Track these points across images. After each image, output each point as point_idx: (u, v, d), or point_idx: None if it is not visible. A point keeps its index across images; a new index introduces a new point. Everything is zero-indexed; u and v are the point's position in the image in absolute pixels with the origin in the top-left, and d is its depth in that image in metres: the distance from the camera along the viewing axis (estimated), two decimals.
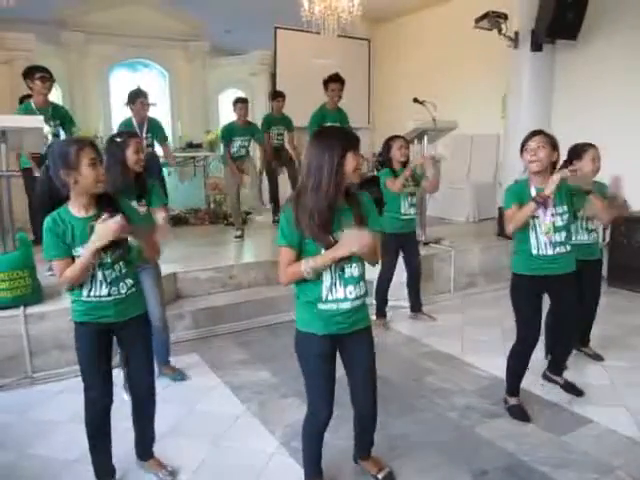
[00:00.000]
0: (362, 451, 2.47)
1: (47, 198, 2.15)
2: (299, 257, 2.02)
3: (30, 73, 4.45)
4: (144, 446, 2.53)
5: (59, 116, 4.59)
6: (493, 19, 6.03)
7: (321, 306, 2.06)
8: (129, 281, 2.27)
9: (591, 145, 3.33)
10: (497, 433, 2.80)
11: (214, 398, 3.26)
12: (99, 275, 2.17)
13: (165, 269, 4.42)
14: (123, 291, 2.24)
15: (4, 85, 6.75)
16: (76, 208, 2.15)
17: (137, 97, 5.07)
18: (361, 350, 2.20)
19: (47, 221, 2.11)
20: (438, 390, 3.31)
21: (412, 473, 2.49)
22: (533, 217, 2.77)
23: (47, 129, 4.36)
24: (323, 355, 2.12)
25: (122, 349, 2.40)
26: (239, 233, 6.03)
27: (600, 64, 5.95)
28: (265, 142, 6.60)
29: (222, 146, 6.37)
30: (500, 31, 6.13)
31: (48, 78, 4.47)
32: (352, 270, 2.06)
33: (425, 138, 5.25)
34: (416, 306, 4.61)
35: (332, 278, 2.04)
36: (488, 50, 6.79)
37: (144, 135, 5.11)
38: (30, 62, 7.03)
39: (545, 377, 3.32)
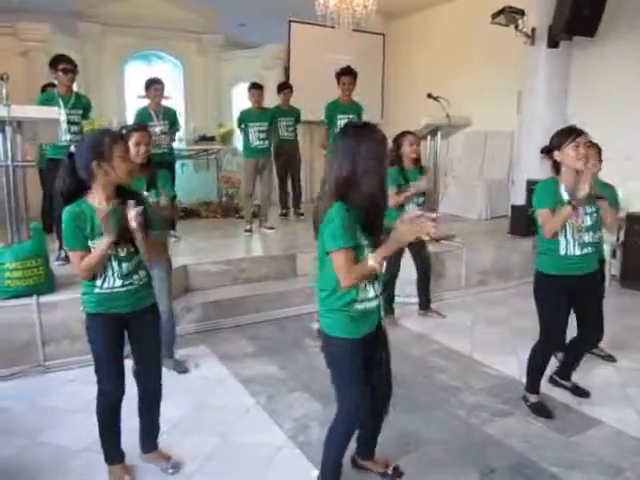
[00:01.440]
0: (367, 452, 2.43)
1: (72, 188, 2.15)
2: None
3: (54, 64, 4.54)
4: (149, 438, 2.55)
5: (81, 105, 4.65)
6: (510, 15, 5.97)
7: (357, 306, 2.03)
8: (142, 272, 2.31)
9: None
10: (506, 432, 2.79)
11: (223, 391, 3.28)
12: (114, 267, 2.20)
13: (176, 262, 4.45)
14: (136, 282, 2.27)
15: (20, 76, 6.78)
16: (97, 200, 2.16)
17: (151, 84, 5.37)
18: (382, 349, 2.20)
19: (69, 212, 2.12)
20: (447, 388, 3.31)
21: (420, 470, 2.49)
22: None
23: (63, 118, 4.42)
24: (360, 358, 2.07)
25: (132, 339, 2.41)
26: (249, 227, 6.03)
27: (618, 61, 5.87)
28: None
29: (242, 136, 6.21)
30: (517, 27, 6.07)
31: (70, 70, 4.54)
32: (382, 267, 2.06)
33: (438, 134, 5.22)
34: (425, 303, 4.59)
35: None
36: (503, 46, 6.72)
37: (159, 122, 5.23)
38: (46, 53, 7.12)
39: (552, 381, 3.27)
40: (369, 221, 1.96)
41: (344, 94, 5.84)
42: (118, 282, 2.22)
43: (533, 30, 6.18)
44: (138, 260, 2.28)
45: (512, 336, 4.10)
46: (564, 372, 3.24)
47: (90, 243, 2.13)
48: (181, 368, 3.53)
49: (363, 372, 2.09)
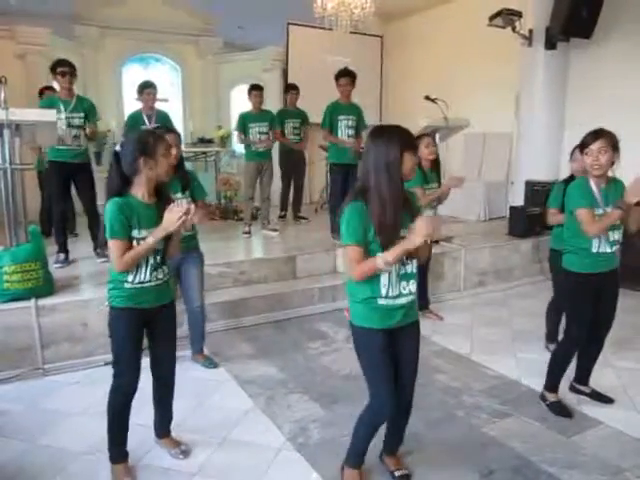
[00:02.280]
0: (391, 449, 2.48)
1: (119, 182, 2.26)
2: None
3: (54, 68, 4.59)
4: (163, 424, 2.66)
5: (82, 109, 4.66)
6: (507, 17, 5.99)
7: (381, 302, 2.10)
8: (165, 268, 2.42)
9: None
10: (505, 433, 2.79)
11: (222, 392, 3.28)
12: (150, 260, 2.31)
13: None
14: (161, 277, 2.38)
15: (18, 79, 6.78)
16: (140, 194, 2.29)
17: (144, 88, 5.28)
18: (412, 344, 2.25)
19: (116, 202, 2.22)
20: (447, 389, 3.31)
21: (420, 471, 2.49)
22: (598, 216, 2.77)
23: (62, 119, 4.47)
24: (383, 348, 2.14)
25: (152, 333, 2.47)
26: (247, 229, 6.01)
27: (615, 63, 5.89)
28: (278, 138, 6.52)
29: (239, 138, 6.14)
30: (514, 29, 6.09)
31: (67, 72, 4.56)
32: (411, 267, 2.13)
33: (437, 136, 5.22)
34: (423, 304, 4.59)
35: (391, 275, 2.08)
36: (501, 48, 6.74)
37: (152, 125, 5.19)
38: (44, 56, 7.14)
39: (573, 389, 3.23)
40: (380, 222, 2.00)
41: (343, 95, 5.84)
42: (147, 276, 2.32)
43: (530, 32, 6.21)
44: (162, 255, 2.38)
45: (512, 337, 4.10)
46: (583, 376, 3.21)
47: (136, 233, 2.23)
48: (211, 363, 3.62)
49: (390, 368, 2.16)
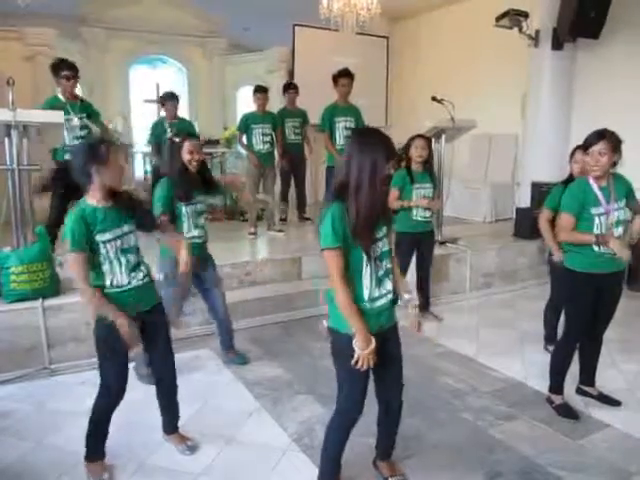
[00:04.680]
0: (382, 453, 2.44)
1: (71, 189, 2.26)
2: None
3: (56, 70, 4.60)
4: (170, 422, 2.69)
5: (87, 110, 4.75)
6: (513, 17, 5.97)
7: (365, 306, 2.05)
8: (143, 268, 2.42)
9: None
10: (512, 435, 2.78)
11: (228, 394, 3.28)
12: (122, 260, 2.31)
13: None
14: (141, 277, 2.38)
15: (26, 80, 6.81)
16: (95, 201, 2.28)
17: (166, 100, 5.82)
18: (396, 345, 2.25)
19: (75, 214, 2.22)
20: (453, 391, 3.30)
21: (426, 474, 2.48)
22: (599, 215, 2.77)
23: (76, 121, 4.61)
24: None
25: (145, 337, 2.46)
26: (253, 230, 6.02)
27: (623, 63, 5.87)
28: (279, 139, 6.50)
29: (238, 137, 6.18)
30: (520, 29, 6.07)
31: (72, 76, 4.61)
32: (386, 264, 2.09)
33: (443, 137, 5.22)
34: (424, 305, 4.58)
35: (371, 277, 2.04)
36: (507, 48, 6.72)
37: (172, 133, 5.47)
38: (51, 58, 7.13)
39: (579, 392, 3.21)
40: (357, 226, 1.94)
41: (342, 96, 5.81)
42: (125, 279, 2.32)
43: (537, 32, 6.19)
44: (138, 255, 2.40)
45: (518, 339, 4.08)
46: (588, 377, 3.19)
47: (99, 237, 2.23)
48: (243, 359, 3.69)
49: (368, 373, 2.11)
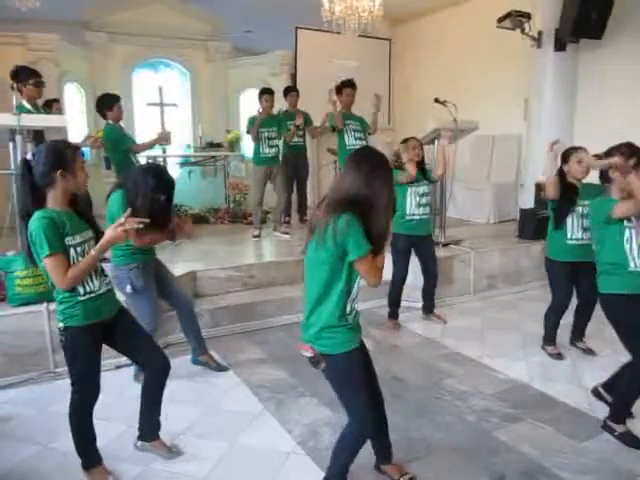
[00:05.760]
0: (384, 457, 2.45)
1: (32, 193, 2.19)
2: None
3: (23, 76, 4.43)
4: (153, 425, 2.62)
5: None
6: (516, 18, 5.97)
7: (349, 319, 2.07)
8: (106, 274, 2.43)
9: (576, 148, 3.51)
10: (516, 437, 2.77)
11: (232, 397, 3.28)
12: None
13: (184, 268, 4.48)
14: (107, 282, 2.39)
15: None
16: (58, 205, 2.21)
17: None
18: (369, 354, 2.28)
19: (44, 217, 2.13)
20: (457, 393, 3.29)
21: (430, 476, 2.47)
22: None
23: None
24: (362, 364, 2.14)
25: (120, 342, 2.47)
26: (257, 232, 6.03)
27: (625, 64, 5.86)
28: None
29: (251, 137, 6.07)
30: (523, 30, 6.07)
31: (42, 83, 4.52)
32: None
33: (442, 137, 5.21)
34: (429, 307, 4.58)
35: (355, 290, 2.08)
36: (510, 50, 6.72)
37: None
38: (54, 63, 7.20)
39: (596, 394, 3.09)
40: (372, 233, 1.99)
41: (345, 106, 5.80)
42: (97, 284, 2.30)
43: (540, 33, 6.18)
44: (100, 263, 2.38)
45: (522, 341, 4.07)
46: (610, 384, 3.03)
47: (70, 239, 2.18)
48: (220, 365, 3.64)
49: (368, 384, 2.16)
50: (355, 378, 2.09)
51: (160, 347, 2.63)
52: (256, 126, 5.87)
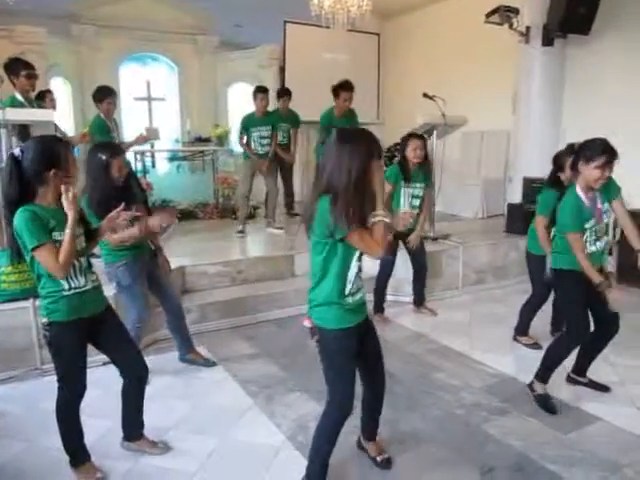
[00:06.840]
0: (370, 434, 2.52)
1: (20, 190, 2.15)
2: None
3: (15, 68, 4.40)
4: (137, 426, 2.61)
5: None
6: (504, 14, 5.98)
7: (348, 300, 2.11)
8: (94, 271, 2.40)
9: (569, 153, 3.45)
10: (505, 430, 2.80)
11: (222, 391, 3.28)
12: (75, 263, 2.24)
13: (173, 263, 4.44)
14: (94, 279, 2.36)
15: None
16: (46, 203, 2.18)
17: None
18: (373, 336, 2.32)
19: (27, 210, 2.11)
20: (446, 386, 3.31)
21: (419, 469, 2.49)
22: (590, 228, 2.85)
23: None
24: (353, 348, 2.17)
25: (103, 341, 2.45)
26: (241, 227, 5.97)
27: (613, 59, 5.89)
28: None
29: (239, 139, 6.13)
30: (511, 26, 6.08)
31: (35, 75, 4.48)
32: (361, 263, 2.15)
33: (435, 133, 5.23)
34: (419, 301, 4.61)
35: (353, 272, 2.10)
36: (499, 45, 6.73)
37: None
38: (42, 56, 7.10)
39: (570, 380, 3.28)
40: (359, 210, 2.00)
41: (340, 111, 5.76)
42: (82, 280, 2.28)
43: (527, 28, 6.19)
44: (88, 256, 2.36)
45: (510, 334, 4.10)
46: (581, 368, 3.24)
47: (57, 235, 2.14)
48: (208, 361, 3.63)
49: (354, 366, 2.20)
50: (340, 360, 2.15)
51: (141, 353, 2.61)
52: (247, 149, 6.00)
